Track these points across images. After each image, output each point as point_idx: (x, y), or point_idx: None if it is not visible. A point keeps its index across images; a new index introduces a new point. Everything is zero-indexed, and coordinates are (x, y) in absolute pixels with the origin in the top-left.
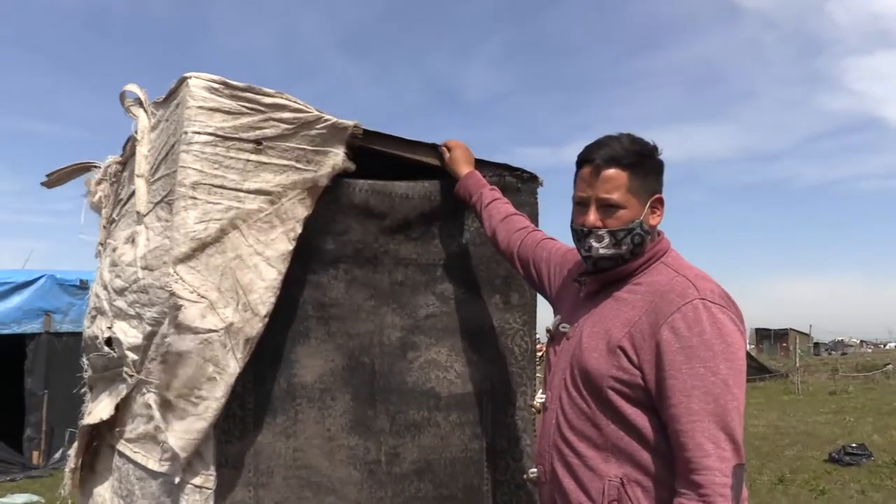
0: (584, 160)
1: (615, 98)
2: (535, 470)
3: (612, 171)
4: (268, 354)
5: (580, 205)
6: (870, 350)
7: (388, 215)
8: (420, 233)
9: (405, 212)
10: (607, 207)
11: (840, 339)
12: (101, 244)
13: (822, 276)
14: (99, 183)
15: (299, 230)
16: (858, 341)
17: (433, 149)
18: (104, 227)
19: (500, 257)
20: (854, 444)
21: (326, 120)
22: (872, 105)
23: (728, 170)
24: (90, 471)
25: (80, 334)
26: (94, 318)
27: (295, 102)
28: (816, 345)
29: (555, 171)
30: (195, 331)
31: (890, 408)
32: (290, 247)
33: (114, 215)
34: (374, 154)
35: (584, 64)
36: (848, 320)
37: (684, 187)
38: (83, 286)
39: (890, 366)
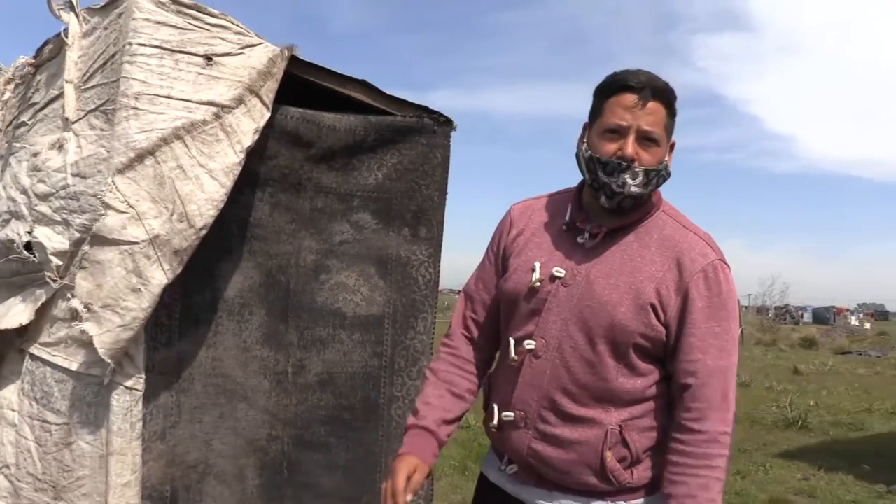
0: (626, 86)
1: (483, 48)
2: (510, 414)
3: (656, 104)
4: (196, 267)
5: (614, 132)
6: None
7: (314, 144)
8: (342, 163)
9: (331, 142)
10: (647, 141)
11: None
12: None
13: None
14: (8, 83)
15: (247, 143)
16: None
17: (361, 84)
18: (2, 130)
19: (413, 192)
20: None
21: (267, 45)
22: (715, 82)
23: None
24: None
25: None
26: (6, 221)
27: (238, 25)
28: None
29: None
30: (115, 242)
31: (750, 368)
32: (237, 159)
33: (24, 119)
34: (297, 84)
35: (454, 9)
36: None
37: (547, 145)
38: None
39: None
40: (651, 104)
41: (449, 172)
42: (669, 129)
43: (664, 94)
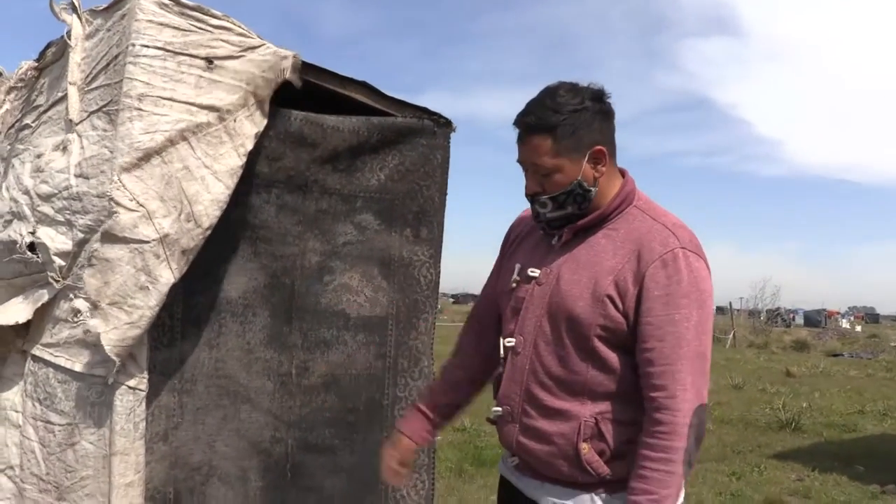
0: (514, 124)
1: (471, 52)
2: (498, 409)
3: (535, 138)
4: (198, 268)
5: (524, 169)
6: None
7: (319, 145)
8: (345, 165)
9: (335, 143)
10: (542, 174)
11: None
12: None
13: None
14: (9, 92)
15: (249, 146)
16: None
17: (362, 86)
18: (2, 132)
19: (414, 193)
20: None
21: (269, 47)
22: (703, 86)
23: None
24: None
25: None
26: (9, 222)
27: (239, 27)
28: None
29: None
30: (125, 240)
31: (743, 370)
32: (240, 162)
33: (28, 122)
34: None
35: (443, 14)
36: None
37: None
38: None
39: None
40: (530, 140)
41: (448, 174)
42: (568, 148)
43: (542, 124)
